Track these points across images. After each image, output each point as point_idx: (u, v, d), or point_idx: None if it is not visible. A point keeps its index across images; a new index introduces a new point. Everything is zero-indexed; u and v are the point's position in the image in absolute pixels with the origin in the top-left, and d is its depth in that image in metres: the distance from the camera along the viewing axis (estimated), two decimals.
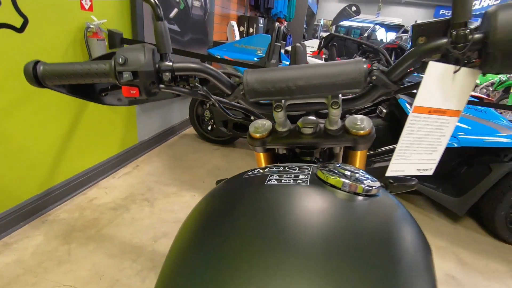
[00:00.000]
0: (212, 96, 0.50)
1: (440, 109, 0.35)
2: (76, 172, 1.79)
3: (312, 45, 4.78)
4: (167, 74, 0.45)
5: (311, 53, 4.56)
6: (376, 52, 4.88)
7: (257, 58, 2.47)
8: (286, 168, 0.37)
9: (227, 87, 0.46)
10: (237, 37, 3.60)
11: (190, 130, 3.10)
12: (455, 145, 1.92)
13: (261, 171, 0.37)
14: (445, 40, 0.34)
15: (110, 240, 1.47)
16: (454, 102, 0.35)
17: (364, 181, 0.31)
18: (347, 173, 0.32)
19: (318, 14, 15.32)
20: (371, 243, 0.25)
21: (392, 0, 14.81)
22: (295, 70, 0.41)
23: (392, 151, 2.07)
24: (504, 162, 1.80)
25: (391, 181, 0.62)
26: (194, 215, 0.33)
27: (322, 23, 14.01)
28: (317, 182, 0.32)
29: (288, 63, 2.37)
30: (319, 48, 4.47)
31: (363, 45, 5.27)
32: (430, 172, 0.41)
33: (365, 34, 8.95)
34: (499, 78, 5.63)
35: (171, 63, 0.45)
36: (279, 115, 0.46)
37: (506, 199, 1.75)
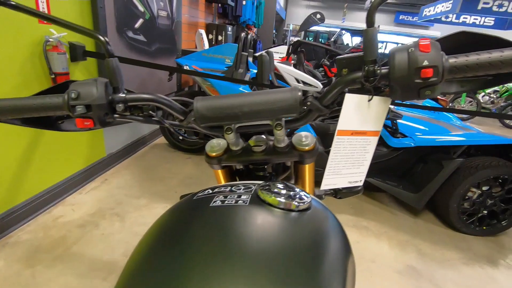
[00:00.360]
0: (166, 121, 0.53)
1: (360, 131, 0.42)
2: (40, 190, 1.72)
3: (280, 51, 4.92)
4: (120, 105, 0.48)
5: (280, 59, 4.69)
6: None
7: (226, 67, 2.51)
8: (232, 188, 0.41)
9: (179, 113, 0.50)
10: (206, 45, 3.62)
11: (161, 139, 3.07)
12: (412, 144, 2.08)
13: (210, 191, 0.41)
14: (360, 74, 0.41)
15: (79, 259, 1.43)
16: (372, 124, 0.42)
17: (297, 198, 0.37)
18: (283, 191, 0.37)
19: (287, 19, 15.71)
20: (298, 254, 0.30)
21: (356, 6, 15.56)
22: (240, 98, 0.46)
23: None
24: (454, 159, 1.98)
25: (339, 187, 0.69)
26: (147, 235, 0.37)
27: (291, 28, 14.38)
28: (257, 201, 0.37)
29: (256, 71, 2.44)
30: (287, 54, 4.61)
31: (329, 50, 5.51)
32: (360, 183, 0.48)
33: (332, 39, 9.33)
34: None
35: (124, 95, 0.48)
36: (230, 137, 0.51)
37: (457, 192, 1.93)
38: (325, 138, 2.47)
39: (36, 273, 1.32)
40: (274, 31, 9.16)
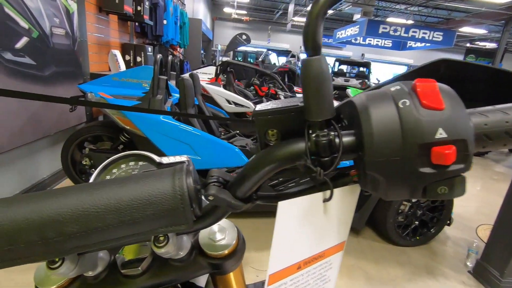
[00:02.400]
0: None
1: (314, 256, 0.21)
2: None
3: (209, 72, 4.75)
4: None
5: (209, 79, 4.51)
6: (271, 77, 5.24)
7: (144, 92, 2.19)
8: None
9: None
10: (122, 66, 3.21)
11: (68, 182, 2.51)
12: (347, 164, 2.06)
13: None
14: (301, 147, 0.22)
15: None
16: (334, 235, 0.22)
17: None
18: None
19: (214, 40, 15.86)
20: None
21: (279, 28, 16.65)
22: (61, 200, 0.22)
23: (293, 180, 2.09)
24: None
25: None
26: None
27: (219, 48, 14.51)
28: None
29: (178, 95, 2.17)
30: (216, 75, 4.46)
31: (258, 71, 5.59)
32: None
33: (260, 59, 9.65)
34: None
35: None
36: (61, 271, 0.25)
37: (392, 208, 1.95)
38: None
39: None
40: (202, 51, 9.03)
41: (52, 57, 2.16)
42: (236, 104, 3.75)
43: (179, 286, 0.38)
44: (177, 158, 0.42)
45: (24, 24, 1.86)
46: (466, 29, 11.75)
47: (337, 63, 10.39)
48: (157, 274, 0.31)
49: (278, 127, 0.24)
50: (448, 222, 2.10)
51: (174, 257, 0.31)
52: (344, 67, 10.80)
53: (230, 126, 3.24)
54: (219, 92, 3.65)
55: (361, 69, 10.48)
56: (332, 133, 0.22)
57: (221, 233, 0.33)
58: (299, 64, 10.81)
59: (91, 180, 0.42)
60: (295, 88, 5.83)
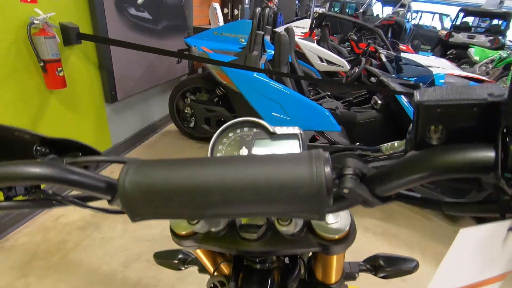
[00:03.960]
0: (85, 204, 0.32)
1: (473, 283, 0.18)
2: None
3: (303, 25, 4.47)
4: None
5: (302, 34, 4.27)
6: (372, 31, 4.61)
7: (241, 48, 2.23)
8: None
9: (101, 191, 0.28)
10: (221, 20, 3.30)
11: (173, 125, 2.89)
12: None
13: None
14: (491, 155, 0.17)
15: (74, 269, 1.32)
16: (503, 265, 0.18)
17: None
18: None
19: None
20: None
21: None
22: (208, 172, 0.23)
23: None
24: None
25: (381, 263, 0.46)
26: None
27: None
28: None
29: (272, 51, 2.13)
30: (311, 29, 4.18)
31: (357, 24, 4.98)
32: None
33: (361, 10, 8.51)
34: (500, 54, 5.39)
35: None
36: (198, 227, 0.29)
37: None
38: (352, 129, 2.17)
39: (29, 285, 1.22)
40: (297, 2, 8.49)
41: (164, 11, 2.35)
42: (328, 62, 3.50)
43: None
44: (290, 130, 0.41)
45: None
46: None
47: (461, 14, 8.15)
48: (270, 243, 0.33)
49: (447, 124, 0.20)
50: None
51: (285, 230, 0.31)
52: (470, 19, 8.50)
53: (319, 86, 3.09)
54: (312, 49, 3.44)
55: (495, 21, 8.05)
56: None
57: (334, 217, 0.32)
58: (409, 16, 9.12)
59: (211, 141, 0.45)
60: (400, 46, 5.02)
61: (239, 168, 0.23)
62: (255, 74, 1.85)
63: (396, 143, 0.34)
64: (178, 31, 2.64)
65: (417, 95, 0.20)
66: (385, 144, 0.36)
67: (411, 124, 0.22)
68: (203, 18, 3.33)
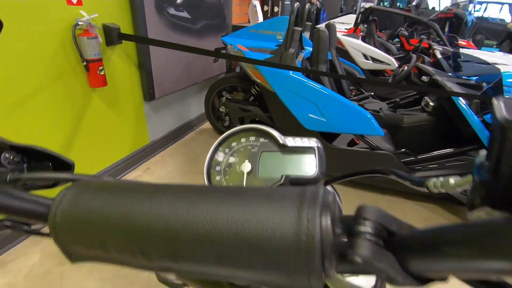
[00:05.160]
0: (23, 228, 0.27)
1: None
2: None
3: (347, 21, 4.22)
4: None
5: (346, 31, 4.04)
6: (426, 25, 4.18)
7: (277, 45, 2.15)
8: None
9: (32, 216, 0.23)
10: (260, 18, 3.25)
11: (209, 124, 2.92)
12: None
13: None
14: None
15: None
16: None
17: None
18: None
19: None
20: None
21: None
22: (153, 204, 0.17)
23: (439, 157, 1.68)
24: None
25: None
26: None
27: None
28: None
29: (310, 48, 2.02)
30: (355, 24, 3.93)
31: (409, 17, 4.58)
32: None
33: (414, 2, 7.84)
34: None
35: None
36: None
37: None
38: (397, 134, 1.97)
39: (64, 273, 1.29)
40: None
41: (203, 10, 2.37)
42: (374, 59, 3.25)
43: None
44: (305, 142, 0.33)
45: None
46: None
47: None
48: None
49: None
50: None
51: None
52: None
53: (363, 86, 2.88)
54: (355, 45, 3.22)
55: None
56: None
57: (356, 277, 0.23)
58: (471, 8, 8.16)
59: (210, 152, 0.39)
60: (460, 41, 4.48)
61: (191, 206, 0.15)
62: (291, 73, 1.75)
63: (452, 180, 0.22)
64: (217, 30, 2.65)
65: (501, 107, 0.11)
66: (434, 179, 0.25)
67: (484, 153, 0.13)
68: (242, 17, 3.31)
